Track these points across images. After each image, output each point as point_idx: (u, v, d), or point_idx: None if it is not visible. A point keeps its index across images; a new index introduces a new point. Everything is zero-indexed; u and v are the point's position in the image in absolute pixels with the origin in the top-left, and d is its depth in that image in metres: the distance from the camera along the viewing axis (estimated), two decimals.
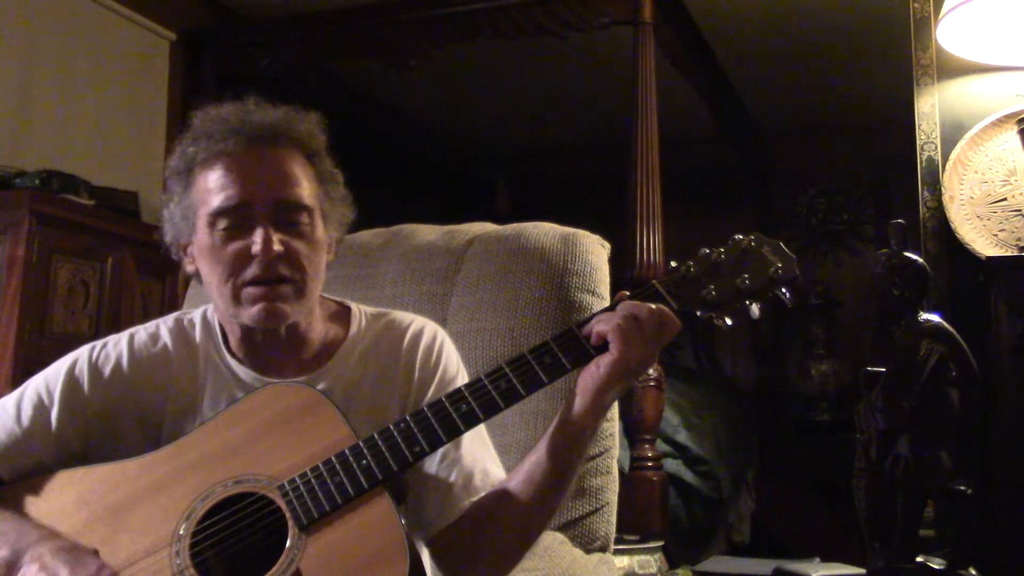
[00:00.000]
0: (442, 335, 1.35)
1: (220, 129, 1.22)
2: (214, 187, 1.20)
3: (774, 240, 1.15)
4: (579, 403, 1.10)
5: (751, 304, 1.12)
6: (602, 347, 1.09)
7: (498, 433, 1.35)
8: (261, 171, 1.21)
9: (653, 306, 1.08)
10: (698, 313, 1.11)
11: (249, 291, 1.20)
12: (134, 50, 3.67)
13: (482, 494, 1.22)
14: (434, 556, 1.25)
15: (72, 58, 3.38)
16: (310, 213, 1.23)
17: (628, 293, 1.13)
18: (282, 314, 1.20)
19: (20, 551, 1.10)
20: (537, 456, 1.15)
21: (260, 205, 1.19)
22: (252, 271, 1.19)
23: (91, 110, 3.45)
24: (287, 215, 1.21)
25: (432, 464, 1.23)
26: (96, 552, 1.11)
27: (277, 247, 1.18)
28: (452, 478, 1.23)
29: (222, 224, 1.19)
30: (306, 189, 1.23)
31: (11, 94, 3.15)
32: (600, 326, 1.08)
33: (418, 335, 1.32)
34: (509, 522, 1.18)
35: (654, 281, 1.13)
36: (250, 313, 1.20)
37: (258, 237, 1.18)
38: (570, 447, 1.13)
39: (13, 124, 3.14)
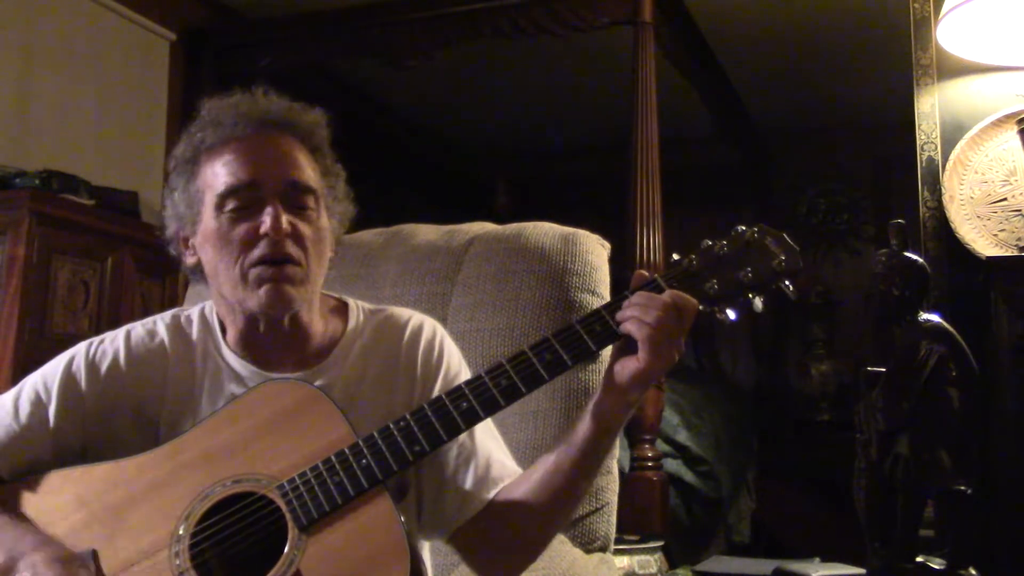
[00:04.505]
0: (441, 330, 1.35)
1: (230, 114, 1.23)
2: (222, 170, 1.21)
3: (777, 232, 1.13)
4: (608, 398, 1.11)
5: (754, 297, 1.11)
6: (604, 341, 1.09)
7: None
8: (270, 153, 1.23)
9: (667, 299, 1.06)
10: (701, 307, 1.10)
11: (256, 271, 1.19)
12: (134, 50, 3.67)
13: (501, 486, 1.22)
14: (461, 551, 1.25)
15: (72, 58, 3.38)
16: (316, 197, 1.25)
17: (646, 274, 1.12)
18: (288, 297, 1.20)
19: (15, 558, 1.10)
20: (567, 443, 1.15)
21: (270, 184, 1.20)
22: (260, 251, 1.19)
23: (91, 110, 3.44)
24: (295, 197, 1.22)
25: (448, 460, 1.23)
26: (94, 555, 1.11)
27: (286, 226, 1.19)
28: (469, 473, 1.23)
29: (231, 204, 1.20)
30: (312, 175, 1.25)
31: (11, 94, 3.15)
32: (629, 325, 1.07)
33: (417, 331, 1.32)
34: (537, 510, 1.18)
35: (656, 276, 1.12)
36: (258, 295, 1.20)
37: (267, 216, 1.18)
38: (599, 436, 1.13)
39: (13, 124, 3.14)
